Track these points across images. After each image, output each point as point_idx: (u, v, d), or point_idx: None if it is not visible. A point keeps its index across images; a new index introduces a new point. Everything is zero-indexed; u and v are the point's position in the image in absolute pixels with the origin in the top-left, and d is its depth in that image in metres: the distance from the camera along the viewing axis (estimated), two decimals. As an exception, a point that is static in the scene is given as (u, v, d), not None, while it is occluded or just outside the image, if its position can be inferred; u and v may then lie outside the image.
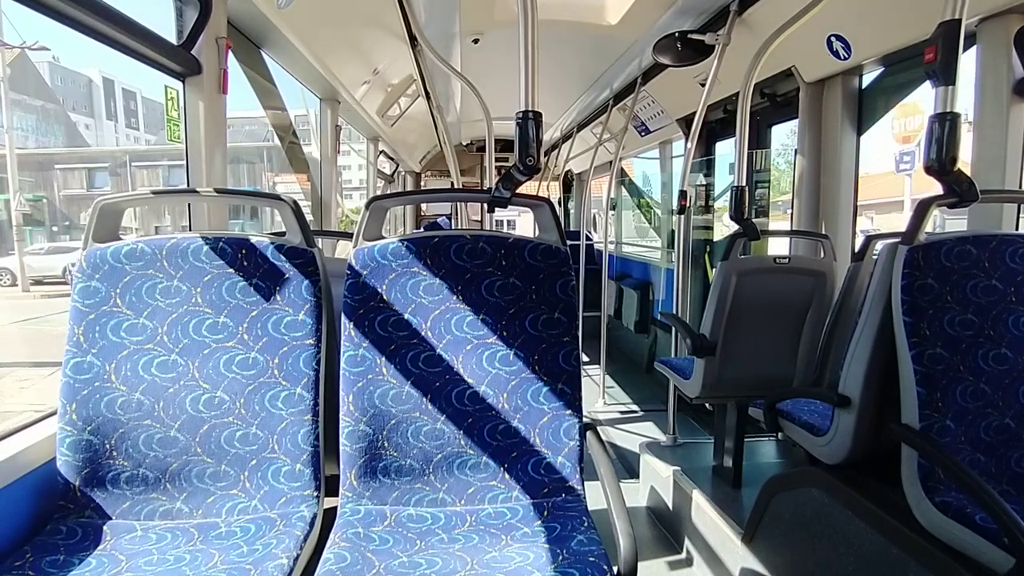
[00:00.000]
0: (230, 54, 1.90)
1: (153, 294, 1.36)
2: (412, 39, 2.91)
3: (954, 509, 1.27)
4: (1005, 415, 1.37)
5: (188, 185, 1.84)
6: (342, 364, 1.39)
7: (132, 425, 1.32)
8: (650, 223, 6.51)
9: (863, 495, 1.52)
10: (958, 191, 1.37)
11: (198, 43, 1.77)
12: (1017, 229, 1.88)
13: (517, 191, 1.43)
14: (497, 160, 2.98)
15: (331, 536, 1.25)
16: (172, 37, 1.75)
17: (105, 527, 1.26)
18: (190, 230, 1.79)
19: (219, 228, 1.81)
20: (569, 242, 1.53)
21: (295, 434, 1.34)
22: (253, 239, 1.39)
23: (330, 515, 1.35)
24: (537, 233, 1.53)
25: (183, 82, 1.81)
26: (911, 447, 1.36)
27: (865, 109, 2.62)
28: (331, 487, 1.40)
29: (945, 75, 1.28)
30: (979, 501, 1.19)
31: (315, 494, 1.33)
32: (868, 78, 2.60)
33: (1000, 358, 1.38)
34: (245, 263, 1.37)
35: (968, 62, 1.90)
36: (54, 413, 1.33)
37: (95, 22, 1.41)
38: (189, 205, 1.86)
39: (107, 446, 1.31)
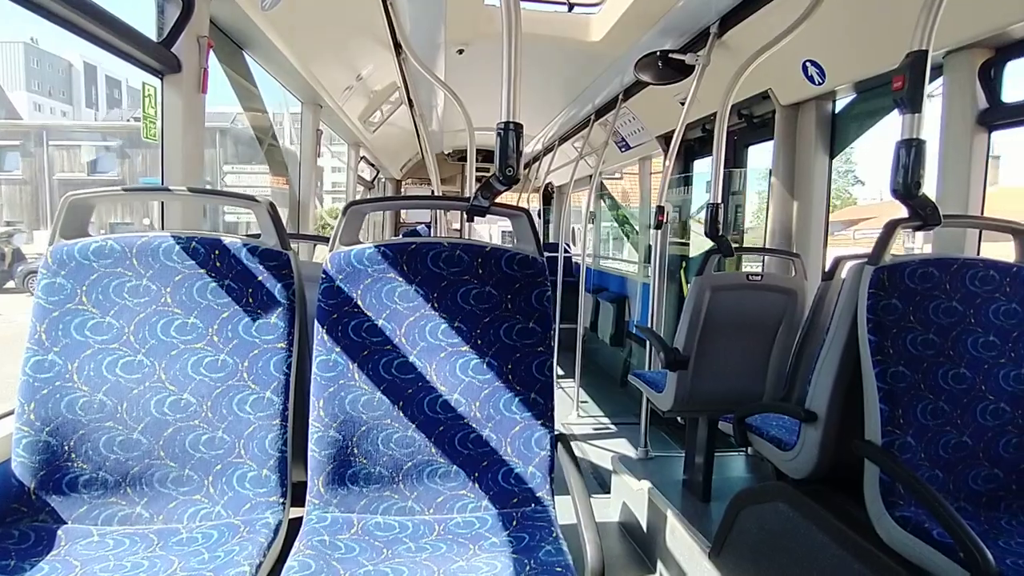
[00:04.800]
0: (211, 54, 1.88)
1: (121, 293, 1.33)
2: (397, 47, 2.92)
3: (913, 524, 1.30)
4: (963, 433, 1.41)
5: (163, 183, 1.82)
6: (313, 369, 1.37)
7: (93, 427, 1.28)
8: (627, 238, 6.58)
9: (827, 509, 1.54)
10: (922, 215, 1.42)
11: (179, 41, 1.75)
12: (979, 254, 1.95)
13: (496, 201, 1.44)
14: (478, 170, 2.99)
15: (296, 543, 1.23)
16: (152, 33, 1.74)
17: (60, 532, 1.22)
18: (162, 229, 1.76)
19: (192, 228, 1.79)
20: (547, 254, 1.54)
21: (263, 439, 1.31)
22: (226, 240, 1.37)
23: (296, 523, 1.33)
24: (515, 243, 1.54)
25: (162, 79, 1.78)
26: (873, 463, 1.39)
27: (837, 133, 2.70)
28: (298, 494, 1.38)
29: (912, 103, 1.34)
30: (937, 516, 1.23)
31: (281, 500, 1.31)
32: (841, 103, 2.68)
33: (959, 377, 1.43)
34: (218, 264, 1.35)
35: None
36: (10, 413, 1.29)
37: (71, 14, 1.38)
38: (162, 203, 1.83)
39: (66, 448, 1.27)
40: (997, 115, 1.87)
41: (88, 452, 1.28)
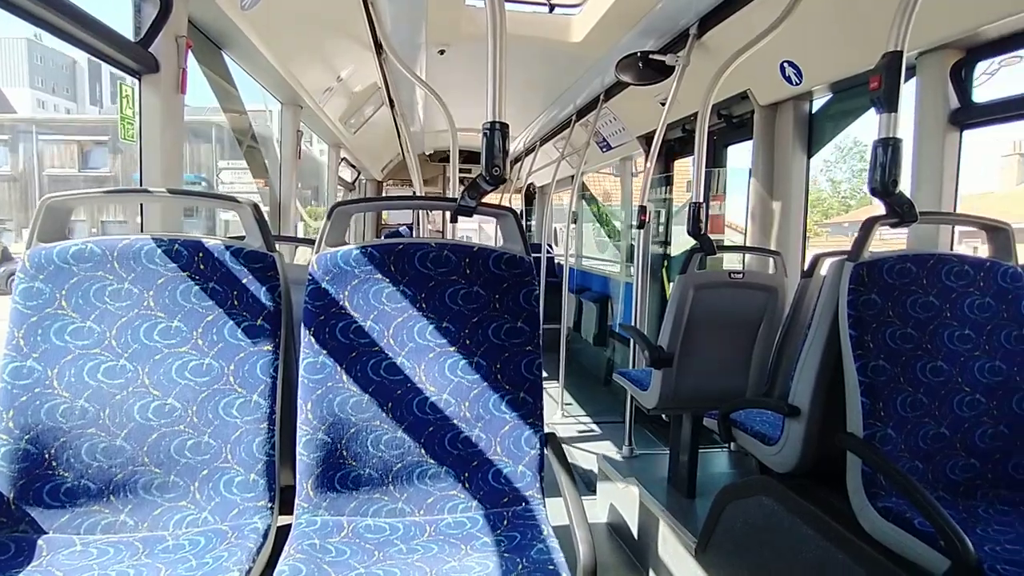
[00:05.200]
0: (189, 54, 1.86)
1: (102, 297, 1.30)
2: (378, 47, 2.91)
3: (895, 514, 1.33)
4: (941, 424, 1.45)
5: (142, 185, 1.78)
6: (301, 371, 1.36)
7: (75, 434, 1.26)
8: (610, 237, 6.62)
9: (811, 502, 1.57)
10: (899, 212, 1.45)
11: (156, 41, 1.72)
12: (952, 249, 2.00)
13: (482, 201, 1.44)
14: (461, 171, 2.99)
15: (286, 548, 1.21)
16: (129, 32, 1.71)
17: (41, 542, 1.19)
18: (142, 232, 1.73)
19: (173, 231, 1.76)
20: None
21: (250, 443, 1.30)
22: (209, 242, 1.35)
23: (285, 528, 1.31)
24: (501, 243, 1.54)
25: (139, 80, 1.76)
26: (856, 455, 1.42)
27: (815, 133, 2.75)
28: (287, 498, 1.36)
29: (888, 102, 1.37)
30: (918, 506, 1.26)
31: (269, 505, 1.30)
32: (818, 103, 2.73)
33: (936, 370, 1.46)
34: (201, 266, 1.33)
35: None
36: None
37: (46, 12, 1.36)
38: (142, 205, 1.80)
39: (46, 456, 1.24)
40: (968, 115, 1.93)
41: (70, 460, 1.25)
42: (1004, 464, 1.48)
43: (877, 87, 1.39)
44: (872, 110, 1.44)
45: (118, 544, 1.21)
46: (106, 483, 1.26)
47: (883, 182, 1.40)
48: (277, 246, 1.46)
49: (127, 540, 1.22)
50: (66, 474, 1.25)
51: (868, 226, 1.50)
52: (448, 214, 1.53)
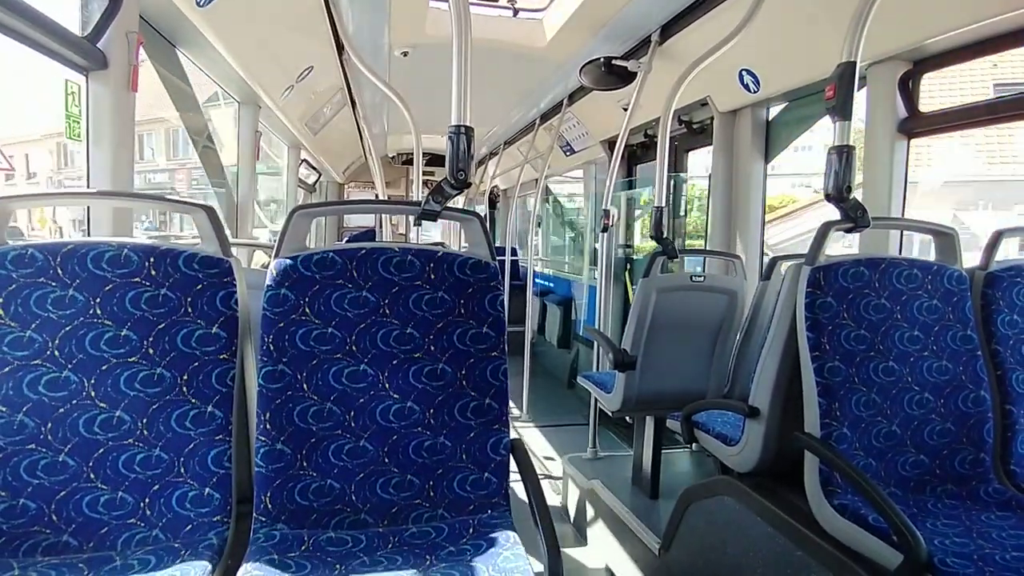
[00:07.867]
0: (141, 50, 1.79)
1: (44, 304, 1.23)
2: (339, 47, 2.86)
3: (850, 511, 1.37)
4: (892, 422, 1.50)
5: (88, 187, 1.71)
6: (259, 380, 1.32)
7: (13, 451, 1.18)
8: (574, 241, 6.67)
9: (771, 501, 1.61)
10: (853, 217, 1.50)
11: (105, 36, 1.65)
12: (900, 253, 2.08)
13: (447, 205, 1.43)
14: (424, 174, 2.96)
15: (243, 565, 1.17)
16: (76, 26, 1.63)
17: None
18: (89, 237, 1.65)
19: (124, 237, 1.68)
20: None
21: (204, 456, 1.25)
22: (162, 247, 1.30)
23: (242, 542, 1.27)
24: (465, 247, 1.53)
25: (86, 76, 1.68)
26: (813, 454, 1.46)
27: (771, 139, 2.83)
28: (245, 512, 1.32)
29: (843, 111, 1.41)
30: (872, 503, 1.29)
31: (225, 520, 1.25)
32: (773, 111, 2.81)
33: (888, 370, 1.51)
34: (153, 272, 1.28)
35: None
36: None
37: None
38: (88, 209, 1.72)
39: None
40: (916, 124, 2.01)
41: (7, 478, 1.18)
42: (951, 460, 1.54)
43: (832, 96, 1.43)
44: (825, 118, 1.48)
45: (60, 566, 1.14)
46: (47, 501, 1.19)
47: (837, 188, 1.44)
48: (234, 250, 1.41)
49: (71, 562, 1.16)
50: (3, 493, 1.17)
51: (824, 231, 1.55)
52: (411, 217, 1.50)
